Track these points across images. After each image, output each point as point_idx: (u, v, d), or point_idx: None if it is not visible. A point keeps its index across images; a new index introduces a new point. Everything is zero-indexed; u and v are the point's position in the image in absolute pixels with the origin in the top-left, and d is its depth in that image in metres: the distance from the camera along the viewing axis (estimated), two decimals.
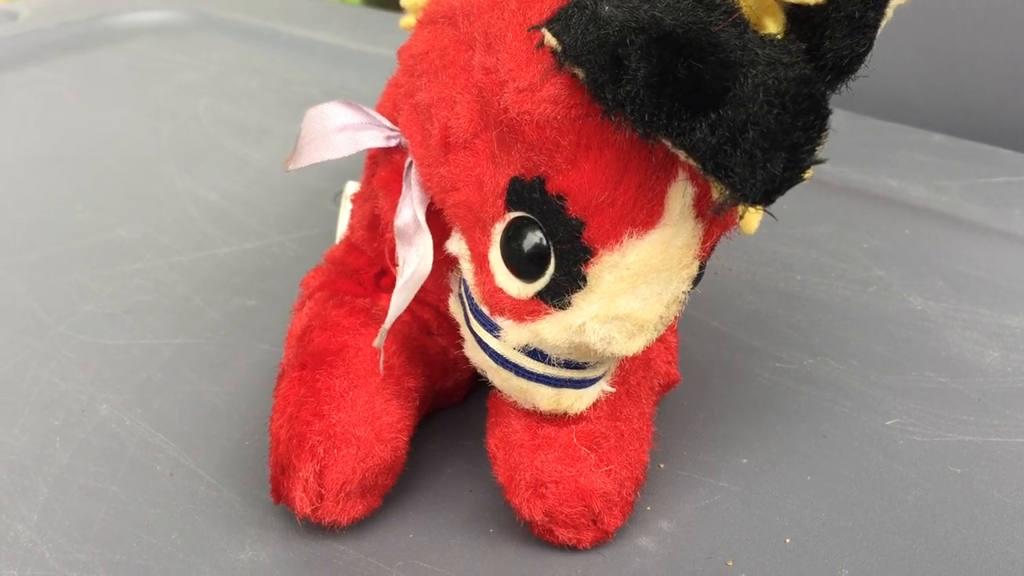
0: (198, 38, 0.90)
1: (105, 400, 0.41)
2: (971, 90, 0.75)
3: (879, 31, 0.24)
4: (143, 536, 0.34)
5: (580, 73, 0.24)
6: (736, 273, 0.51)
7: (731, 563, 0.33)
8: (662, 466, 0.37)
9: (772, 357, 0.44)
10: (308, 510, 0.32)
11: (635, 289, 0.28)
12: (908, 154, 0.65)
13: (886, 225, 0.56)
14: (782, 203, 0.61)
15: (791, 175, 0.22)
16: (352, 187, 0.52)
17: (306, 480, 0.32)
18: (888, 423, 0.40)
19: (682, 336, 0.44)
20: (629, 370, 0.35)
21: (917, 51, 0.76)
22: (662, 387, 0.39)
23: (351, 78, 0.80)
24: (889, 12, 0.24)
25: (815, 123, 0.22)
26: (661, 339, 0.39)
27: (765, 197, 0.23)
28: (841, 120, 0.69)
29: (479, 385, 0.34)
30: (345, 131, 0.36)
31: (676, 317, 0.42)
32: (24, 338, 0.45)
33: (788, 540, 0.34)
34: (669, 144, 0.24)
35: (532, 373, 0.31)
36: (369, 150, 0.38)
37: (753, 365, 0.44)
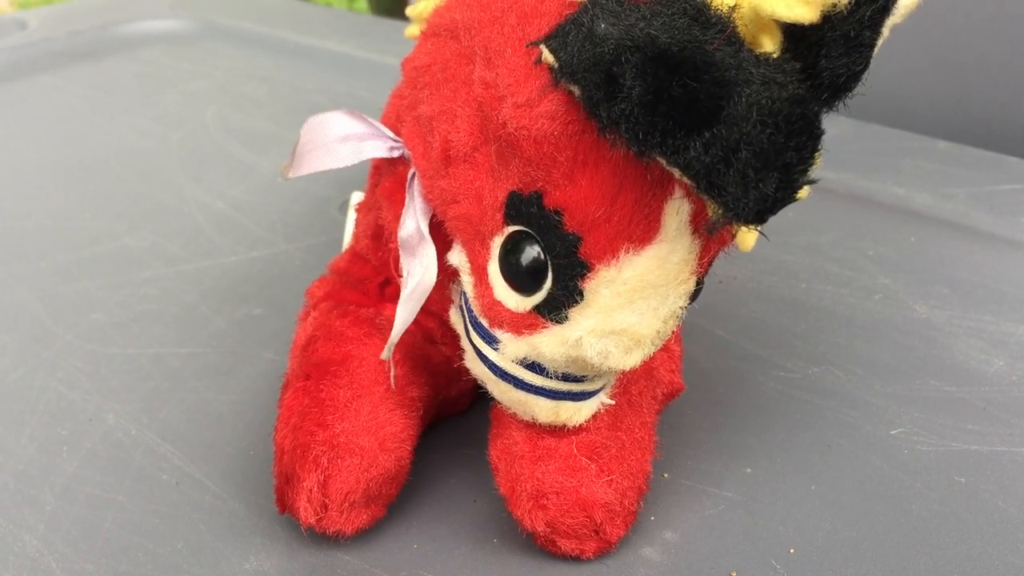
0: (206, 46, 0.91)
1: (112, 409, 0.41)
2: (977, 97, 0.74)
3: (876, 49, 0.24)
4: (149, 546, 0.34)
5: (576, 90, 0.24)
6: (741, 281, 0.51)
7: (735, 573, 0.33)
8: (666, 476, 0.37)
9: (777, 366, 0.44)
10: (312, 520, 0.32)
11: (632, 304, 0.28)
12: (914, 161, 0.65)
13: (892, 233, 0.56)
14: (787, 211, 0.61)
15: (784, 195, 0.22)
16: (358, 197, 0.52)
17: (310, 490, 0.32)
18: (893, 432, 0.40)
19: (686, 345, 0.44)
20: (630, 380, 0.35)
21: (923, 58, 0.76)
22: (665, 396, 0.39)
23: (358, 86, 0.80)
24: (885, 31, 0.24)
25: (808, 143, 0.22)
26: (665, 348, 0.39)
27: (758, 217, 0.23)
28: (847, 127, 0.69)
29: (483, 394, 0.34)
30: (349, 141, 0.36)
31: (679, 327, 0.42)
32: (32, 347, 0.45)
33: (792, 550, 0.34)
34: (663, 162, 0.24)
35: (531, 385, 0.31)
36: (373, 160, 0.38)
37: (757, 374, 0.44)
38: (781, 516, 0.36)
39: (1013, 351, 0.45)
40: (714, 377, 0.43)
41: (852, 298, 0.50)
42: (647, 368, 0.37)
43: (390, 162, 0.37)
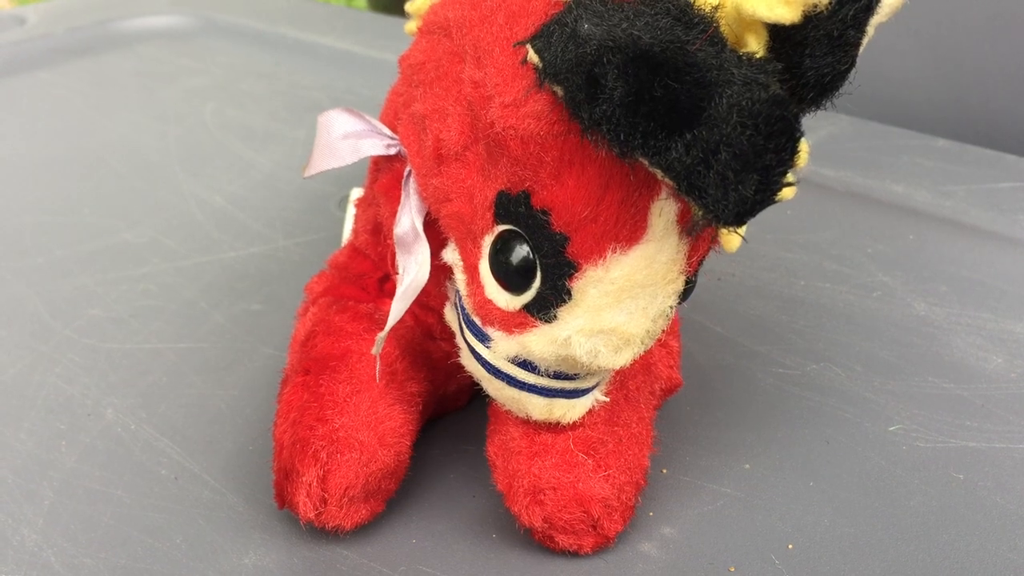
0: (204, 43, 0.91)
1: (110, 404, 0.41)
2: (976, 95, 0.74)
3: (862, 48, 0.24)
4: (147, 540, 0.34)
5: (559, 91, 0.24)
6: (740, 278, 0.51)
7: (733, 569, 0.33)
8: (664, 471, 0.37)
9: (775, 362, 0.44)
10: (312, 515, 0.32)
11: (620, 304, 0.28)
12: (913, 159, 0.65)
13: (890, 230, 0.56)
14: (786, 208, 0.61)
15: (763, 197, 0.22)
16: (357, 192, 0.52)
17: (309, 485, 0.32)
18: (891, 429, 0.40)
19: (685, 341, 0.44)
20: (628, 375, 0.35)
21: (922, 56, 0.76)
22: (664, 391, 0.39)
23: (356, 83, 0.80)
24: (870, 30, 0.24)
25: (787, 145, 0.22)
26: (663, 344, 0.39)
27: (737, 218, 0.23)
28: (846, 125, 0.70)
29: (481, 390, 0.34)
30: (348, 139, 0.36)
31: (678, 323, 0.42)
32: (30, 342, 0.45)
33: (791, 546, 0.34)
34: (646, 163, 0.24)
35: (524, 383, 0.31)
36: (373, 156, 0.38)
37: (756, 370, 0.44)
38: (780, 512, 0.36)
39: (1011, 348, 0.45)
40: (713, 374, 0.43)
41: (851, 295, 0.50)
42: (645, 364, 0.37)
43: (388, 159, 0.37)
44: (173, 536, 0.35)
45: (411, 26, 0.38)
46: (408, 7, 0.38)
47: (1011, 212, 0.58)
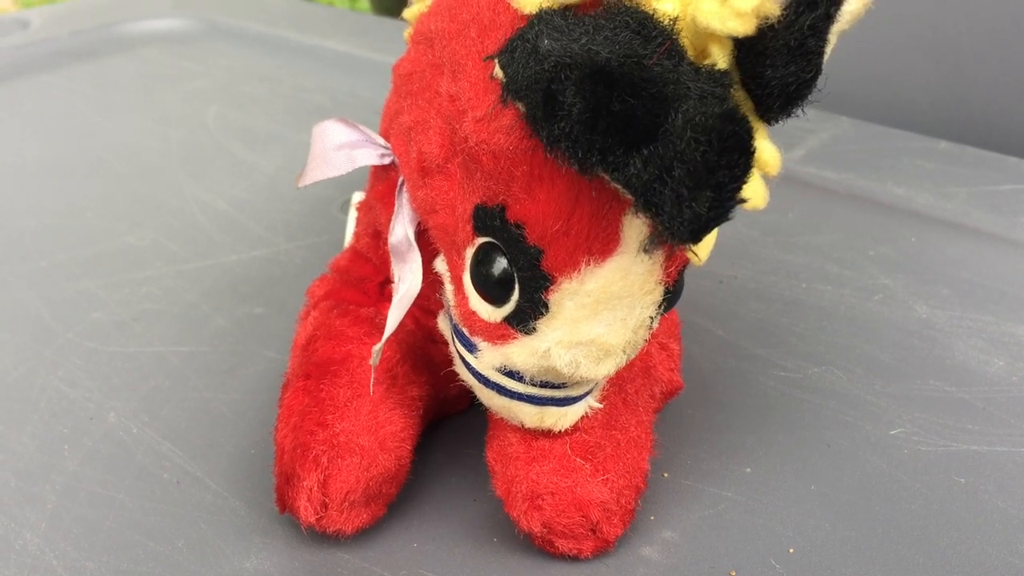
0: (207, 46, 0.91)
1: (113, 408, 0.41)
2: (977, 97, 0.74)
3: (826, 56, 0.24)
4: (149, 544, 0.34)
5: (521, 107, 0.24)
6: (741, 281, 0.51)
7: (734, 573, 0.33)
8: (665, 475, 0.37)
9: (776, 365, 0.44)
10: (312, 519, 0.33)
11: (597, 315, 0.28)
12: (914, 161, 0.65)
13: (892, 233, 0.56)
14: (787, 211, 0.61)
15: (716, 215, 0.22)
16: (359, 196, 0.52)
17: (310, 489, 0.32)
18: (892, 432, 0.40)
19: (686, 344, 0.44)
20: (626, 378, 0.35)
21: (923, 58, 0.76)
22: (664, 394, 0.39)
23: (359, 85, 0.80)
24: (832, 38, 0.24)
25: (740, 161, 0.22)
26: (663, 347, 0.39)
27: (692, 236, 0.23)
28: (847, 127, 0.69)
29: None
30: (342, 149, 0.36)
31: (679, 326, 0.42)
32: (33, 345, 0.45)
33: (791, 550, 0.34)
34: (607, 178, 0.23)
35: (513, 392, 0.31)
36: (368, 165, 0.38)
37: (757, 373, 0.44)
38: (781, 516, 0.36)
39: (1013, 351, 0.45)
40: (714, 376, 0.44)
41: (852, 298, 0.50)
42: (644, 367, 0.37)
43: (384, 168, 0.37)
44: (175, 540, 0.35)
45: (407, 33, 0.38)
46: (405, 14, 0.38)
47: (1012, 214, 0.57)
